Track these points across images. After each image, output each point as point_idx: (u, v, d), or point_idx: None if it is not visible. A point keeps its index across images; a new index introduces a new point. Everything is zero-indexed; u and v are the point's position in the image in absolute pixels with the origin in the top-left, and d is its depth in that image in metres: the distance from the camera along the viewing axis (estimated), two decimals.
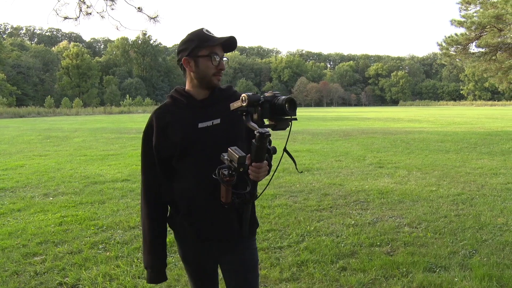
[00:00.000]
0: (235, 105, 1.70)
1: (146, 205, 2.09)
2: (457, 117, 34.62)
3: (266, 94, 1.65)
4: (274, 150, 1.76)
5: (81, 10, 5.99)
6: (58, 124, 31.74)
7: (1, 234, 5.11)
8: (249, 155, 1.74)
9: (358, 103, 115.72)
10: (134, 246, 4.60)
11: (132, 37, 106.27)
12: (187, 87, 2.05)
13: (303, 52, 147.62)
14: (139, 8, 5.88)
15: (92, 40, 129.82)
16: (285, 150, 1.82)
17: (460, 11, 20.22)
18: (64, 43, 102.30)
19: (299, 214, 5.67)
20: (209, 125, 1.97)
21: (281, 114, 1.60)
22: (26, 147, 15.03)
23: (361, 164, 10.00)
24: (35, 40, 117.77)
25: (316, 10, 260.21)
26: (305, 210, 5.89)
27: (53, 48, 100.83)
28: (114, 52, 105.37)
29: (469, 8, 20.02)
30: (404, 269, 3.83)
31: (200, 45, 1.94)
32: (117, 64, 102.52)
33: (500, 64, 20.40)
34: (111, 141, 16.69)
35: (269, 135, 1.65)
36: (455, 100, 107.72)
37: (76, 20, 6.09)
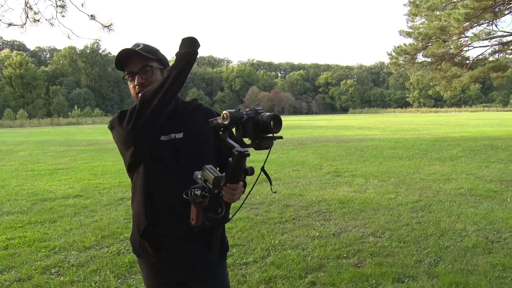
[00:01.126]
0: (214, 122, 1.57)
1: None
2: (405, 123, 35.87)
3: (248, 110, 1.51)
4: (252, 171, 1.62)
5: (27, 17, 5.63)
6: (1, 136, 30.12)
7: None
8: (223, 174, 1.59)
9: (309, 112, 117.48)
10: (90, 268, 4.29)
11: (80, 46, 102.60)
12: None
13: (254, 61, 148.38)
14: (92, 15, 5.60)
15: (37, 49, 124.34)
16: (262, 169, 1.71)
17: (407, 22, 21.11)
18: (5, 51, 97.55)
19: (262, 227, 5.55)
20: (171, 138, 1.83)
21: (265, 132, 1.47)
22: None
23: (319, 173, 10.04)
24: None
25: (266, 20, 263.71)
26: (268, 223, 5.77)
27: None
28: (61, 62, 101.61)
29: (415, 20, 20.92)
30: (374, 281, 3.79)
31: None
32: (64, 74, 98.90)
33: (444, 73, 21.37)
34: (60, 155, 15.94)
35: (248, 154, 1.51)
36: (401, 107, 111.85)
37: (22, 27, 5.72)
